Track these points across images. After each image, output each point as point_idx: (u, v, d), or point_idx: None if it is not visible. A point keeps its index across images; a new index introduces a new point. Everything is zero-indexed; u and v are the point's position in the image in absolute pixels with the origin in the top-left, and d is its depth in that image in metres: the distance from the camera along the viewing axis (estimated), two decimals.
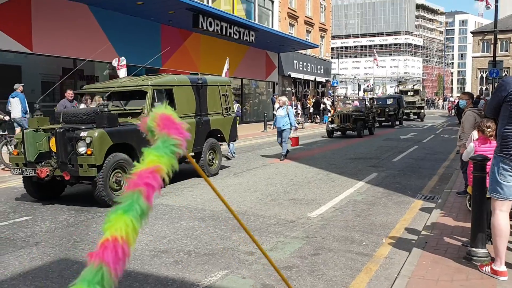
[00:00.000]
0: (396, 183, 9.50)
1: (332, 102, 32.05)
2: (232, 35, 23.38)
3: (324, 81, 42.18)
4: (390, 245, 5.48)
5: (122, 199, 1.31)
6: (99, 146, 7.25)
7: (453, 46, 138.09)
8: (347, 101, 25.23)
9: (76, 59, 15.91)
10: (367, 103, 23.56)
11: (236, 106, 13.62)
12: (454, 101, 38.65)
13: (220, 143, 11.07)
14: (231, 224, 6.37)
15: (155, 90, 8.76)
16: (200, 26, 20.69)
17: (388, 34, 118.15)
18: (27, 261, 5.01)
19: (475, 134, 5.69)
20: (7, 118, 11.44)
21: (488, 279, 4.13)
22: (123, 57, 13.99)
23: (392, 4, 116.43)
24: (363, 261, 4.94)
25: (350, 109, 22.05)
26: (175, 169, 1.36)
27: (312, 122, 31.30)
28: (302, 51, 36.08)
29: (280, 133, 12.85)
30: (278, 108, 13.23)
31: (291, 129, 12.85)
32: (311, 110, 31.52)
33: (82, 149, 7.23)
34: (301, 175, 10.48)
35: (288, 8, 34.38)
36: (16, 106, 11.97)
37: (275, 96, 28.19)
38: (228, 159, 13.12)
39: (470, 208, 5.52)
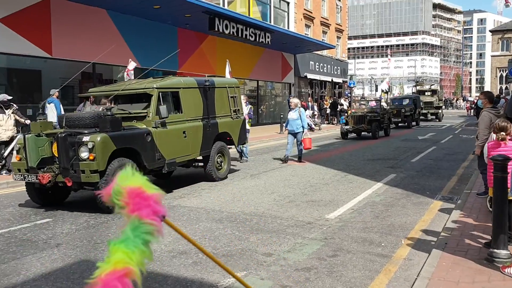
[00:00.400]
0: (415, 184, 9.41)
1: (350, 103, 31.86)
2: (248, 37, 23.42)
3: (341, 81, 41.96)
4: (409, 246, 5.43)
5: None
6: (102, 151, 7.04)
7: (471, 45, 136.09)
8: (362, 102, 24.45)
9: (95, 63, 16.14)
10: (383, 103, 23.24)
11: (248, 108, 13.39)
12: (474, 101, 38.07)
13: (229, 146, 10.85)
14: (249, 226, 6.39)
15: (160, 93, 8.54)
16: (216, 29, 20.77)
17: (405, 34, 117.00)
18: (48, 263, 5.09)
19: (494, 135, 5.61)
20: (28, 121, 11.65)
21: (510, 280, 4.07)
22: (130, 60, 13.97)
23: (409, 4, 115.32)
24: (382, 263, 4.91)
25: (365, 110, 21.59)
26: (149, 261, 1.11)
27: (329, 123, 31.16)
28: (318, 52, 35.94)
29: (293, 136, 12.63)
30: (289, 110, 13.01)
31: (303, 132, 12.57)
32: (328, 111, 31.37)
33: (84, 154, 7.01)
34: (319, 177, 10.44)
35: (304, 9, 34.31)
36: (51, 112, 12.15)
37: (291, 98, 28.15)
38: (240, 161, 13.07)
39: (491, 209, 5.45)
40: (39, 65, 15.71)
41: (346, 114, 22.93)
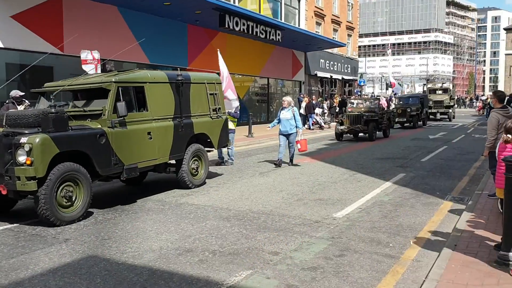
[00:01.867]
0: (425, 184, 9.32)
1: None
2: (258, 35, 23.38)
3: (352, 80, 41.77)
4: (417, 247, 5.37)
5: None
6: (41, 155, 6.10)
7: (485, 43, 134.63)
8: (359, 101, 22.37)
9: (105, 59, 16.21)
10: (392, 104, 22.29)
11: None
12: (486, 100, 37.60)
13: (210, 148, 9.86)
14: (256, 224, 6.37)
15: (120, 88, 7.41)
16: (226, 26, 20.78)
17: (417, 31, 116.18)
18: (56, 258, 5.12)
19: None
20: None
21: None
22: (96, 51, 12.82)
23: (422, 1, 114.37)
24: (390, 263, 4.86)
25: (362, 109, 20.01)
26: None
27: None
28: (329, 50, 35.78)
29: (286, 137, 11.71)
30: (281, 109, 11.93)
31: (296, 132, 11.69)
32: (337, 109, 31.25)
33: (22, 158, 6.11)
34: (327, 175, 10.39)
35: (315, 6, 34.15)
36: None
37: (302, 96, 28.06)
38: (223, 164, 12.09)
39: (501, 211, 5.37)
40: (51, 61, 15.79)
41: (342, 114, 21.35)
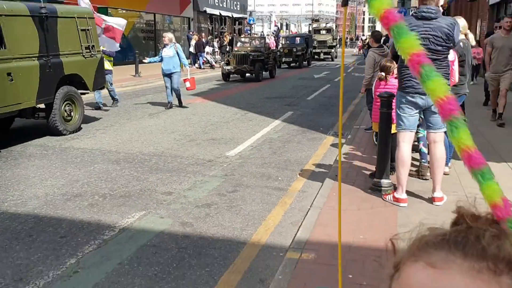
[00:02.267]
0: (310, 121, 9.85)
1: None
2: None
3: (241, 18, 41.52)
4: (303, 179, 5.76)
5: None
6: None
7: None
8: (245, 40, 21.40)
9: None
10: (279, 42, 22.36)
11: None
12: (366, 40, 39.95)
13: (84, 91, 9.05)
14: (148, 166, 6.29)
15: None
16: None
17: None
18: None
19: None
20: None
21: (390, 206, 4.51)
22: None
23: None
24: (279, 196, 5.16)
25: (248, 49, 19.35)
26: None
27: None
28: None
29: (169, 76, 11.01)
30: (163, 47, 11.21)
31: (180, 71, 11.13)
32: (228, 48, 31.10)
33: None
34: (219, 115, 10.47)
35: None
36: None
37: (191, 33, 27.33)
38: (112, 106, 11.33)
39: (376, 143, 5.91)
40: None
41: (229, 53, 20.67)
